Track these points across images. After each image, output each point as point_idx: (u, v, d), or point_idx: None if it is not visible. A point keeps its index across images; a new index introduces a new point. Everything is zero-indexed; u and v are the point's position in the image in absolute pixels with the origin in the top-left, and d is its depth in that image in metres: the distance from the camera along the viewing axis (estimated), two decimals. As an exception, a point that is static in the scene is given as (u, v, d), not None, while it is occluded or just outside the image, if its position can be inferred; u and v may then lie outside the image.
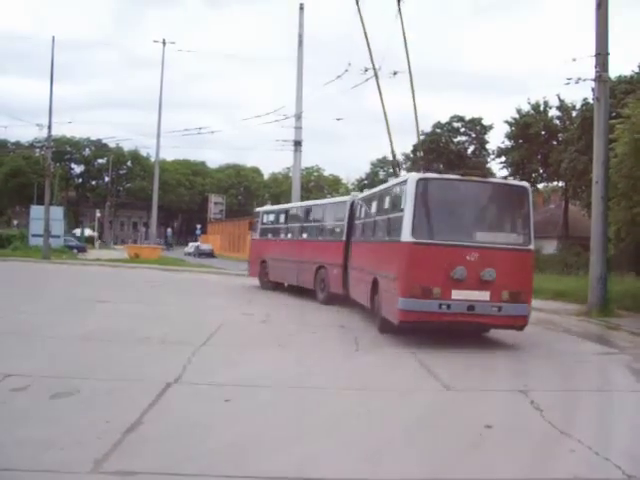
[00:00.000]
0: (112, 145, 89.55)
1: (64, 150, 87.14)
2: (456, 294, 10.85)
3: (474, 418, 6.58)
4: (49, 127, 40.06)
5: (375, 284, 13.03)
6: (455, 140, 59.43)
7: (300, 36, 29.51)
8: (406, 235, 11.01)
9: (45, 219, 39.15)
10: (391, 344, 11.63)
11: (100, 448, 5.08)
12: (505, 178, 55.17)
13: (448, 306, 10.85)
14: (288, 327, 13.37)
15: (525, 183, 12.32)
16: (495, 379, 8.91)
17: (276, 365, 9.17)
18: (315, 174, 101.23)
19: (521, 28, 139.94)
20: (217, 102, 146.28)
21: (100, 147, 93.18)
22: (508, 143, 52.66)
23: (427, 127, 60.10)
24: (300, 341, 11.60)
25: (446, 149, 58.02)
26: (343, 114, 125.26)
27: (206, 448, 5.36)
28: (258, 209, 25.63)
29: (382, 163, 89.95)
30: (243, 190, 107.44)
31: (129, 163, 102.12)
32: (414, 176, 11.49)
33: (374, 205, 14.41)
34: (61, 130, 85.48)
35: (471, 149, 59.56)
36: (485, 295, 10.94)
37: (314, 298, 18.65)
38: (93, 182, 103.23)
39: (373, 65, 16.33)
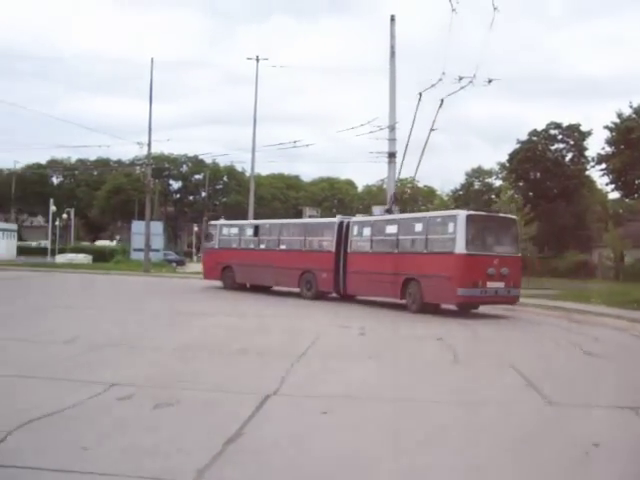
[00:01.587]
0: (208, 161, 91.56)
1: (163, 167, 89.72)
2: (489, 284, 17.70)
3: (580, 435, 6.32)
4: (149, 145, 41.61)
5: (407, 282, 18.96)
6: (552, 148, 57.86)
7: (392, 47, 29.40)
8: (461, 249, 17.42)
9: (145, 234, 40.50)
10: (490, 356, 11.44)
11: (202, 458, 5.14)
12: (606, 185, 54.01)
13: (485, 292, 17.72)
14: (384, 338, 13.29)
15: (514, 216, 21.59)
16: (600, 394, 8.50)
17: (374, 377, 9.12)
18: (409, 185, 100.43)
19: (620, 29, 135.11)
20: (310, 115, 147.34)
21: (197, 163, 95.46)
22: (608, 149, 50.93)
23: (522, 135, 58.87)
24: (395, 352, 11.51)
25: (543, 157, 56.58)
26: (437, 124, 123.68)
27: (305, 461, 5.35)
28: (214, 222, 29.75)
29: (477, 173, 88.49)
30: (337, 203, 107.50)
31: (225, 178, 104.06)
32: (463, 212, 18.23)
33: (393, 228, 20.25)
34: (160, 148, 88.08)
35: (569, 157, 57.83)
36: (502, 284, 18.00)
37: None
38: (190, 197, 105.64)
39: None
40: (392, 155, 28.68)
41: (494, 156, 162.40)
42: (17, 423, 5.88)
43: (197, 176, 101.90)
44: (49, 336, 11.79)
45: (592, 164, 54.83)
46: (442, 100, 22.75)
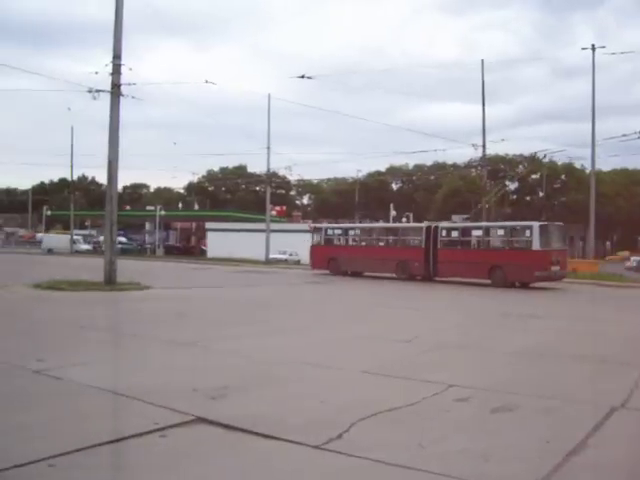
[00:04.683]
0: (545, 160, 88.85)
1: (498, 168, 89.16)
2: (552, 268, 26.84)
3: None
4: (483, 147, 41.70)
5: (492, 268, 27.48)
6: None
7: None
8: (537, 246, 26.71)
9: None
10: None
11: (541, 467, 4.93)
12: None
13: (549, 273, 26.73)
14: None
15: (562, 223, 30.94)
16: None
17: None
18: None
19: None
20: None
21: (533, 162, 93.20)
22: None
23: None
24: None
25: None
26: None
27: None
28: (319, 225, 41.20)
29: None
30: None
31: (563, 177, 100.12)
32: (537, 223, 28.09)
33: (479, 231, 29.90)
34: (494, 148, 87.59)
35: None
36: (558, 268, 27.36)
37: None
38: (527, 198, 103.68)
39: None
40: None
41: None
42: (361, 415, 6.22)
43: (533, 176, 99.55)
44: (392, 335, 12.40)
45: None
46: None
